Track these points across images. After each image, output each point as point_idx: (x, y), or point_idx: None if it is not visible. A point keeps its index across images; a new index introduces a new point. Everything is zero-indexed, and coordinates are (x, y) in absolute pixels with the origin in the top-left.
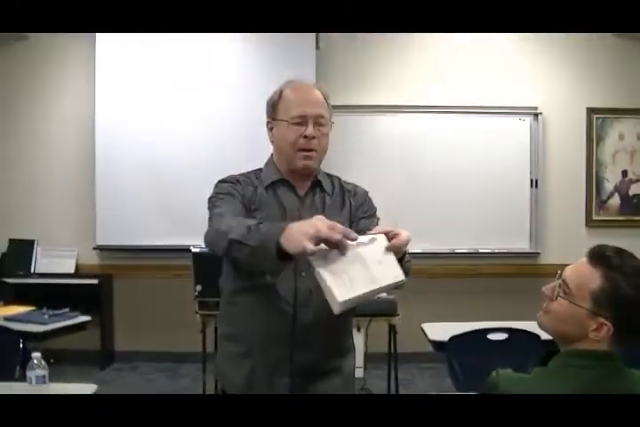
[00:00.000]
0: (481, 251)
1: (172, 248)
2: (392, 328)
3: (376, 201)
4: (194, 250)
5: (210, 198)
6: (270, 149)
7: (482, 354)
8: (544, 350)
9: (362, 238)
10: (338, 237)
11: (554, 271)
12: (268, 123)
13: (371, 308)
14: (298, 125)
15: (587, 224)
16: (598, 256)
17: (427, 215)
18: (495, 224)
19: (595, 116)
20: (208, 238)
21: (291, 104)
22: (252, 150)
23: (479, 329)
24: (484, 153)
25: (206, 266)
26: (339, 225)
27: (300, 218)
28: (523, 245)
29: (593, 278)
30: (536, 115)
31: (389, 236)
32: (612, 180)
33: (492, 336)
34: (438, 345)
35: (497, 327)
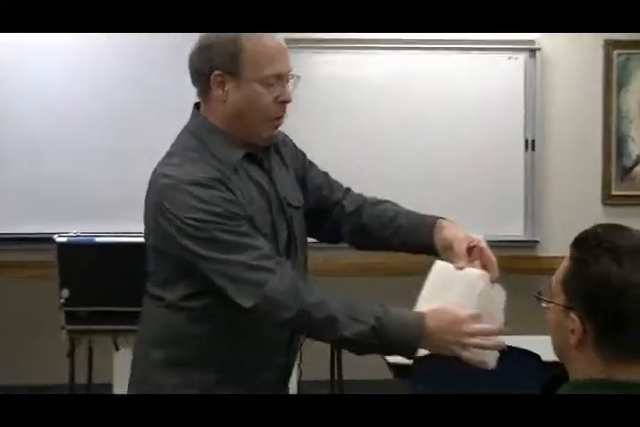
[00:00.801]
0: None
1: (27, 237)
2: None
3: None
4: (59, 239)
5: (194, 229)
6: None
7: (459, 381)
8: (546, 374)
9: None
10: (489, 343)
11: (556, 266)
12: (216, 76)
13: None
14: (269, 86)
15: (603, 201)
16: (577, 238)
17: (388, 190)
18: (476, 203)
19: (615, 51)
20: (265, 310)
21: (262, 59)
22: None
23: None
24: (457, 104)
25: (77, 262)
26: (475, 314)
27: (278, 199)
28: (515, 232)
29: (564, 265)
30: (533, 51)
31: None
32: (638, 139)
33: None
34: (399, 370)
35: None
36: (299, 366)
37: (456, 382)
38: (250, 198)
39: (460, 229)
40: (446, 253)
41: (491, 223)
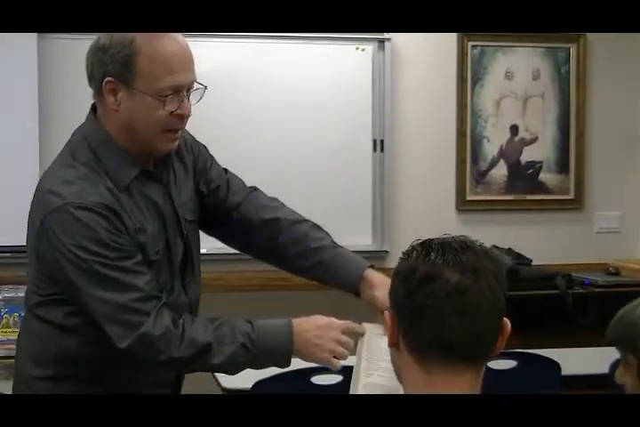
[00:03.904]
0: None
1: None
2: None
3: None
4: None
5: (76, 257)
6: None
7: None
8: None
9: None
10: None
11: None
12: (107, 83)
13: None
14: (164, 99)
15: (457, 207)
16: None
17: None
18: (317, 208)
19: (469, 43)
20: (144, 354)
21: (158, 68)
22: None
23: (300, 369)
24: (298, 100)
25: None
26: (352, 324)
27: (176, 217)
28: (363, 241)
29: None
30: (382, 41)
31: None
32: (495, 139)
33: (316, 379)
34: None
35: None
36: None
37: None
38: (142, 221)
39: (387, 285)
40: (372, 307)
41: (335, 231)
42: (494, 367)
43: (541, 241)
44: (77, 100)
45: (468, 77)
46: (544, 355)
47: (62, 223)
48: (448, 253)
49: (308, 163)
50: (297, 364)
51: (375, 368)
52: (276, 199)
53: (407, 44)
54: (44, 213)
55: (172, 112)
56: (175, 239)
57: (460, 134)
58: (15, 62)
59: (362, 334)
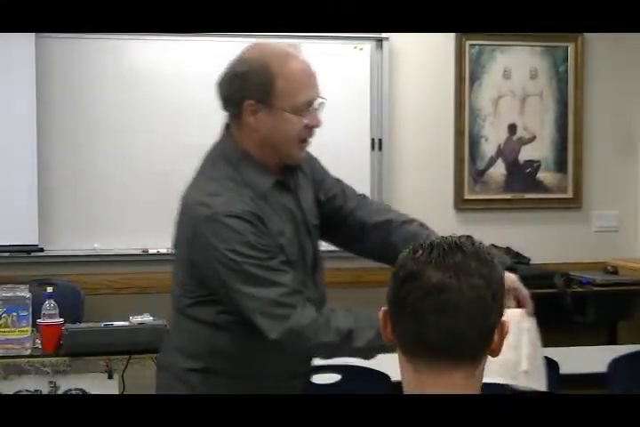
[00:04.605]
0: None
1: None
2: None
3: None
4: None
5: (229, 260)
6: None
7: None
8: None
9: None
10: None
11: None
12: (249, 105)
13: (127, 339)
14: (300, 114)
15: (455, 206)
16: None
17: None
18: None
19: (467, 42)
20: (295, 346)
21: (294, 88)
22: None
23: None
24: None
25: None
26: None
27: (305, 221)
28: None
29: None
30: (380, 41)
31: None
32: (493, 138)
33: (316, 379)
34: None
35: (325, 365)
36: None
37: None
38: (280, 227)
39: None
40: None
41: None
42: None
43: (539, 240)
44: (75, 100)
45: (466, 76)
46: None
47: (214, 230)
48: (435, 252)
49: None
50: None
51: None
52: (383, 203)
53: (405, 43)
54: (195, 222)
55: (306, 124)
56: (306, 241)
57: (459, 133)
58: (13, 62)
59: None
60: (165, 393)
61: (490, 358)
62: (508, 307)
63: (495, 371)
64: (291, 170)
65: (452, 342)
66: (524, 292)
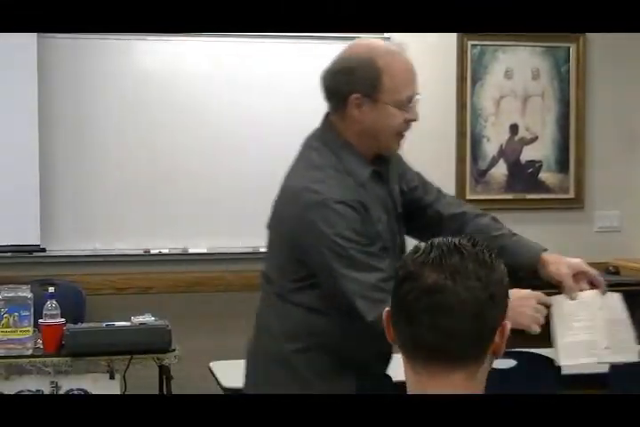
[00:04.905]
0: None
1: None
2: (164, 371)
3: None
4: None
5: (336, 245)
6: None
7: None
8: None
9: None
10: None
11: None
12: (355, 99)
13: (128, 339)
14: (402, 108)
15: None
16: None
17: (210, 198)
18: None
19: (469, 42)
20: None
21: (398, 84)
22: None
23: None
24: (297, 100)
25: None
26: (543, 296)
27: (395, 210)
28: None
29: None
30: (383, 40)
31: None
32: (495, 139)
33: None
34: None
35: None
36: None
37: None
38: (378, 215)
39: (562, 262)
40: (552, 281)
41: None
42: (493, 367)
43: (541, 240)
44: (76, 100)
45: (468, 77)
46: (544, 354)
47: (324, 216)
48: (434, 253)
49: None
50: None
51: (568, 329)
52: (457, 198)
53: (407, 43)
54: (303, 207)
55: (406, 118)
56: (395, 229)
57: (460, 134)
58: (15, 62)
59: (550, 305)
60: (260, 380)
61: (566, 343)
62: (581, 289)
63: (577, 353)
64: (383, 160)
65: (446, 343)
66: (592, 272)
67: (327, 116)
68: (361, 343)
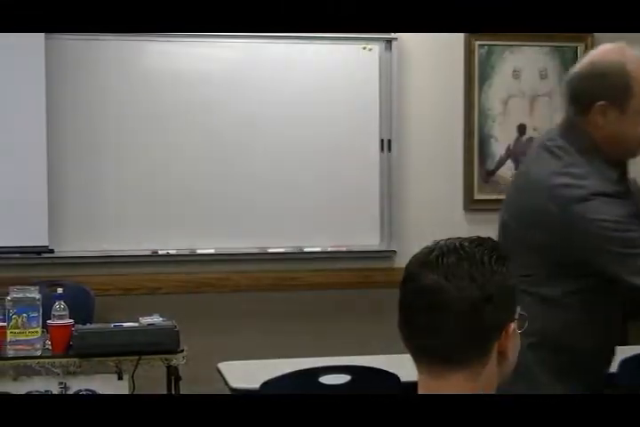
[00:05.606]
0: (306, 250)
1: None
2: (172, 372)
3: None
4: None
5: (611, 230)
6: None
7: None
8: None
9: None
10: None
11: None
12: (600, 106)
13: (136, 340)
14: None
15: (465, 207)
16: None
17: (234, 196)
18: (325, 208)
19: (477, 42)
20: None
21: None
22: None
23: (309, 369)
24: (305, 100)
25: None
26: None
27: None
28: (370, 241)
29: None
30: (389, 41)
31: None
32: (502, 139)
33: (325, 380)
34: None
35: (334, 366)
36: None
37: None
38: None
39: None
40: None
41: (340, 232)
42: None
43: None
44: (84, 100)
45: (476, 77)
46: None
47: (594, 207)
48: (433, 253)
49: (315, 163)
50: (304, 364)
51: None
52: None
53: (414, 43)
54: (567, 203)
55: None
56: None
57: (468, 134)
58: (23, 62)
59: None
60: None
61: None
62: None
63: None
64: (622, 165)
65: (442, 344)
66: None
67: (568, 117)
68: (596, 341)
